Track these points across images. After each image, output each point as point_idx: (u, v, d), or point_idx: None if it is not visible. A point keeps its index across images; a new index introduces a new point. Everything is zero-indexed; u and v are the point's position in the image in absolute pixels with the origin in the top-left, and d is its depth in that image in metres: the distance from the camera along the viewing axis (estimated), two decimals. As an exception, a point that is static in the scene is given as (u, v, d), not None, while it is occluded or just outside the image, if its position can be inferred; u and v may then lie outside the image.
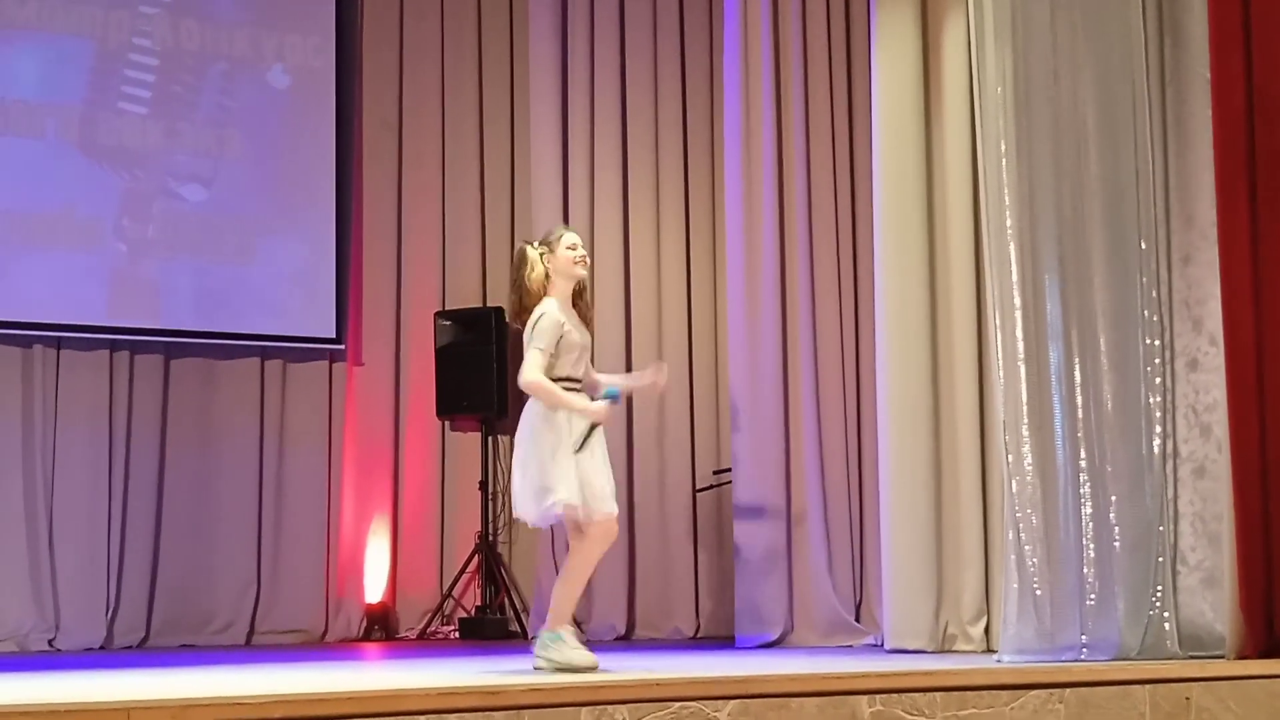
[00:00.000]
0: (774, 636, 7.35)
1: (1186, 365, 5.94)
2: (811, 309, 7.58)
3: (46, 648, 8.30)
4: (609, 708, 4.22)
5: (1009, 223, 5.88)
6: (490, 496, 9.27)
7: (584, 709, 4.20)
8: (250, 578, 8.91)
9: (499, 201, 9.68)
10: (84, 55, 8.77)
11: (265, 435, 9.07)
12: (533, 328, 5.46)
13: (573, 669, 5.24)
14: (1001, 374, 5.84)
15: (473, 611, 9.15)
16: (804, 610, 7.37)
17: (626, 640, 8.61)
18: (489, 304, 9.37)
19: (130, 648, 8.46)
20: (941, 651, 6.47)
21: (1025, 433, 5.77)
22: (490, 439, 9.38)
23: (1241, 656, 5.33)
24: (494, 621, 8.91)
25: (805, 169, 7.64)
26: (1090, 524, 5.73)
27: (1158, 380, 5.89)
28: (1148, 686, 4.87)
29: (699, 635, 8.70)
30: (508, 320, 5.70)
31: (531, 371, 5.38)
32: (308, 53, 9.29)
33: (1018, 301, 5.84)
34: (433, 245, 9.58)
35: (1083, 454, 5.77)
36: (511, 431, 5.69)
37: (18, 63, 8.63)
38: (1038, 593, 5.65)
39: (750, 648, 7.28)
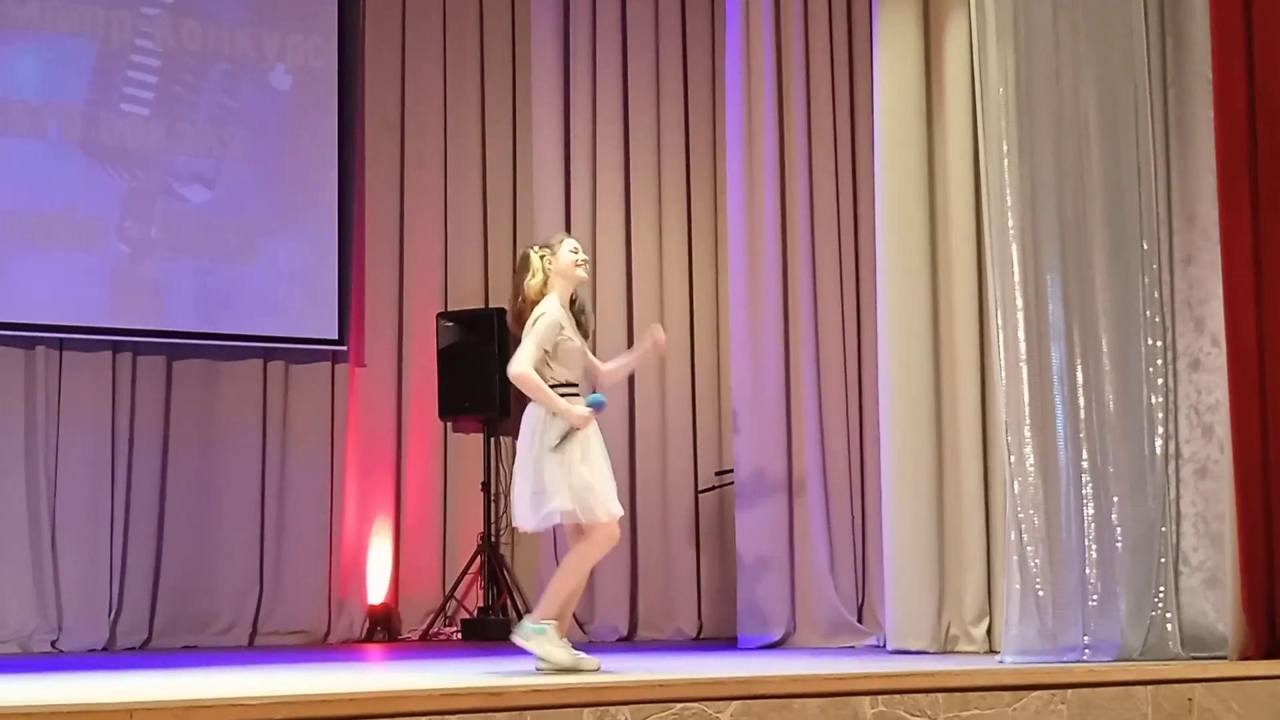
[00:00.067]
0: (776, 637, 7.35)
1: (1188, 365, 5.95)
2: (813, 310, 7.58)
3: (49, 649, 8.29)
4: (611, 708, 4.23)
5: (1011, 223, 5.88)
6: (492, 497, 9.26)
7: (586, 710, 4.20)
8: (253, 579, 8.91)
9: (501, 202, 9.68)
10: (86, 55, 8.77)
11: (268, 436, 9.07)
12: (532, 324, 5.48)
13: (549, 663, 5.25)
14: (1003, 374, 5.84)
15: (475, 613, 9.15)
16: (806, 611, 7.37)
17: (629, 641, 8.61)
18: (491, 305, 9.37)
19: (133, 649, 8.46)
20: (944, 652, 6.48)
21: (1027, 433, 5.77)
22: (492, 440, 9.38)
23: (1244, 657, 5.34)
24: (496, 623, 8.90)
25: (807, 170, 7.64)
26: (1092, 525, 5.73)
27: (1160, 381, 5.90)
28: (1150, 687, 4.88)
29: (701, 636, 8.69)
30: (508, 325, 5.70)
31: (522, 363, 5.40)
32: (309, 53, 9.29)
33: (1019, 302, 5.84)
34: (435, 246, 9.58)
35: (1085, 454, 5.77)
36: (513, 433, 5.70)
37: (19, 63, 8.63)
38: (1040, 593, 5.65)
39: (752, 648, 7.28)
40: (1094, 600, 5.65)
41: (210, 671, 5.88)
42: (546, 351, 5.46)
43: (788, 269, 7.61)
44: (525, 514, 5.46)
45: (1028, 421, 5.78)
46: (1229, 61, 5.59)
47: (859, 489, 7.54)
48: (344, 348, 9.25)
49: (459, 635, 9.00)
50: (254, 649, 8.56)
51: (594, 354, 5.85)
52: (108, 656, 7.89)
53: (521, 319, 5.55)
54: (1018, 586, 5.68)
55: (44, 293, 8.52)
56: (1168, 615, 5.74)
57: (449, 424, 9.49)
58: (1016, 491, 5.75)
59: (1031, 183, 5.91)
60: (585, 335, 5.68)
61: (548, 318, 5.47)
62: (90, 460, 8.59)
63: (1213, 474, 5.81)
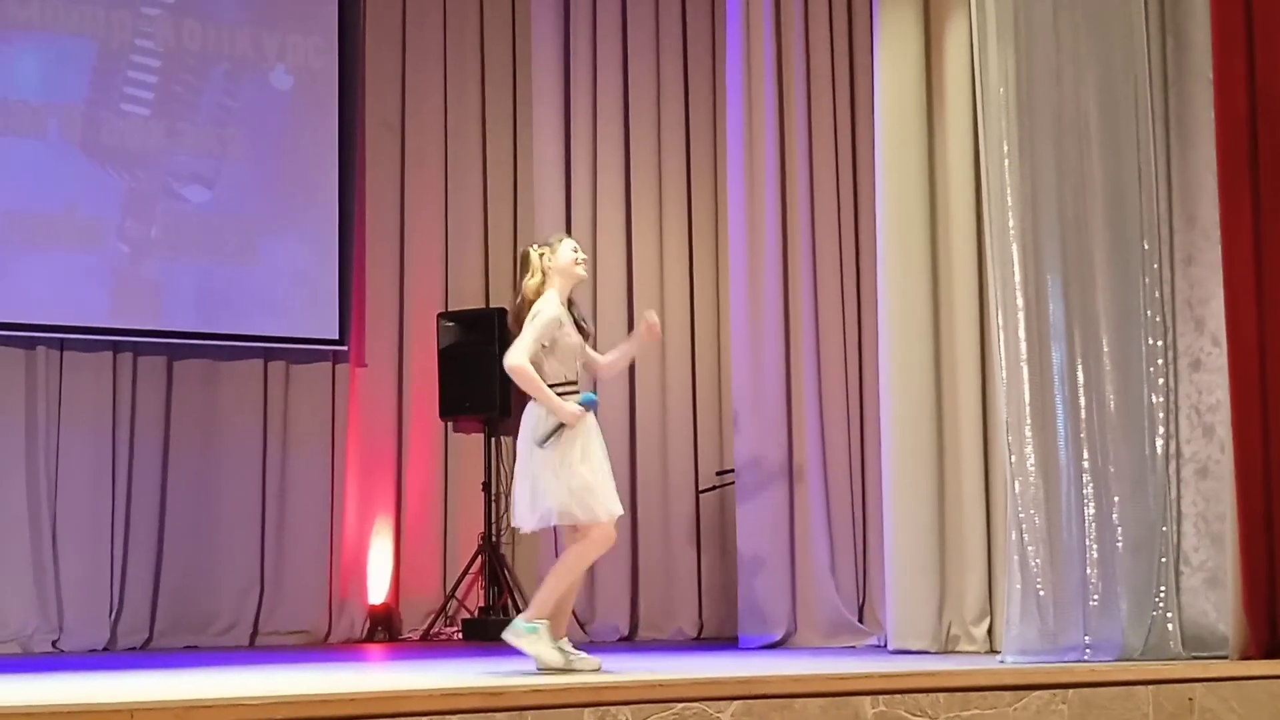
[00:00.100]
0: (777, 637, 7.35)
1: (1189, 365, 5.95)
2: (814, 310, 7.58)
3: (50, 649, 8.29)
4: (612, 708, 4.23)
5: (1011, 223, 5.89)
6: (493, 497, 9.27)
7: (586, 710, 4.20)
8: (253, 579, 8.91)
9: (501, 202, 9.68)
10: (86, 55, 8.77)
11: (268, 436, 9.07)
12: (532, 319, 5.49)
13: (541, 663, 5.24)
14: (1004, 374, 5.85)
15: (476, 612, 9.15)
16: (807, 611, 7.37)
17: (629, 641, 8.61)
18: (492, 305, 9.37)
19: (134, 649, 8.46)
20: (945, 652, 6.48)
21: (1028, 433, 5.77)
22: (493, 440, 9.38)
23: (1245, 657, 5.34)
24: (497, 623, 8.84)
25: (808, 170, 7.64)
26: (1093, 524, 5.73)
27: (1160, 381, 5.90)
28: (1151, 687, 4.88)
29: (702, 636, 8.69)
30: (509, 325, 5.71)
31: (518, 355, 5.40)
32: (310, 53, 9.29)
33: (1020, 302, 5.84)
34: (435, 246, 9.58)
35: (1085, 454, 5.77)
36: (514, 433, 5.71)
37: (20, 63, 8.63)
38: (1041, 593, 5.65)
39: (753, 648, 7.28)
40: (1095, 600, 5.65)
41: (211, 672, 5.88)
42: (544, 346, 5.47)
43: (788, 268, 7.61)
44: (525, 514, 5.47)
45: (1028, 421, 5.78)
46: (1229, 62, 5.59)
47: (860, 489, 7.54)
48: (344, 348, 9.25)
49: (460, 635, 9.00)
50: (255, 649, 8.56)
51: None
52: (108, 656, 7.89)
53: (520, 318, 5.56)
54: (1019, 586, 5.68)
55: (44, 293, 8.52)
56: (1169, 615, 5.74)
57: (449, 424, 9.49)
58: (1017, 491, 5.75)
59: (1032, 182, 5.91)
60: (585, 339, 5.68)
61: (547, 313, 5.49)
62: (91, 460, 8.60)
63: (1213, 474, 5.81)
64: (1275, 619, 5.37)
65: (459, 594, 9.22)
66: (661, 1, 9.17)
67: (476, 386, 9.14)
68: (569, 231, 8.79)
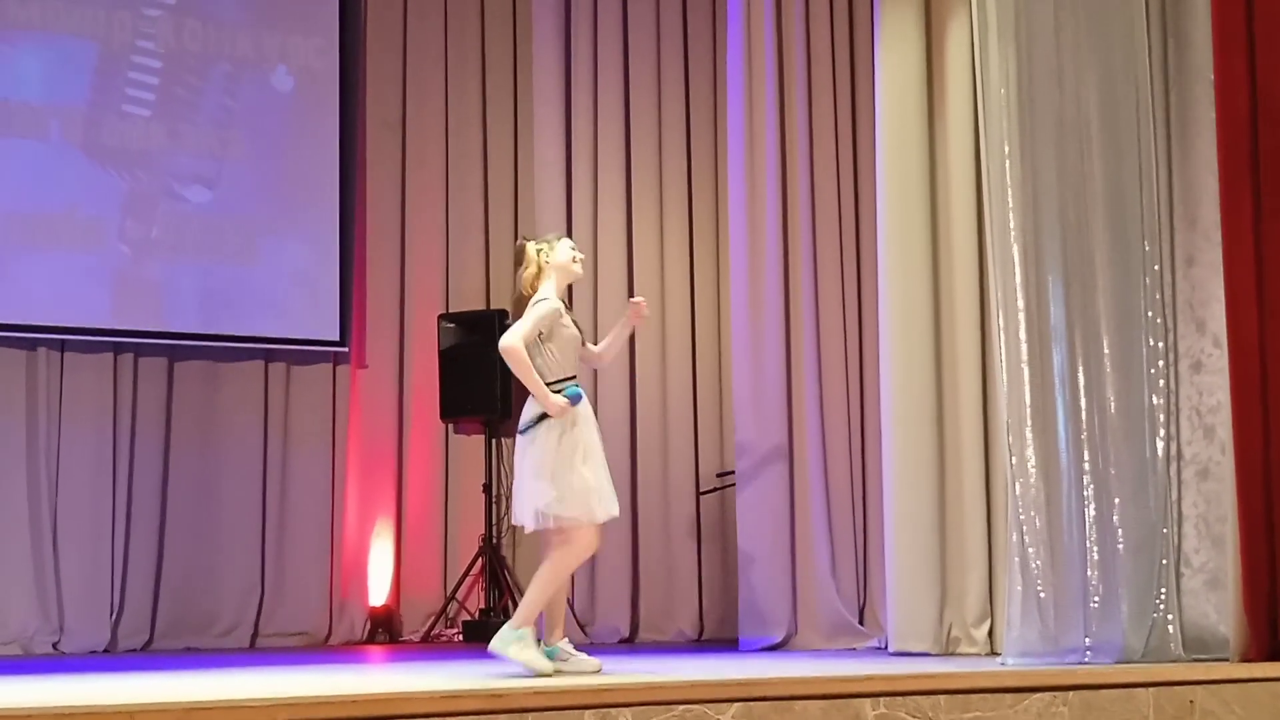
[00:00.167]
0: (778, 639, 7.35)
1: (1190, 367, 5.94)
2: (815, 311, 7.58)
3: (51, 651, 8.30)
4: (612, 710, 4.22)
5: (1012, 224, 5.88)
6: (494, 499, 9.27)
7: (588, 712, 4.20)
8: (254, 580, 8.91)
9: (502, 203, 9.68)
10: (87, 57, 8.78)
11: (269, 438, 9.07)
12: (531, 307, 5.49)
13: (532, 670, 5.22)
14: (1005, 376, 5.84)
15: (476, 614, 9.15)
16: (808, 613, 7.36)
17: (630, 643, 8.61)
18: (492, 306, 9.37)
19: (134, 651, 8.46)
20: (945, 654, 6.47)
21: (1029, 435, 5.77)
22: (493, 441, 9.38)
23: (1246, 659, 5.33)
24: (498, 624, 8.82)
25: (808, 170, 7.64)
26: (1094, 526, 5.72)
27: (1161, 382, 5.89)
28: (1151, 689, 4.87)
29: (703, 638, 8.69)
30: (510, 320, 5.71)
31: (513, 337, 5.42)
32: (310, 54, 9.30)
33: (1021, 303, 5.84)
34: (436, 247, 9.58)
35: (1086, 456, 5.77)
36: (514, 434, 5.70)
37: (21, 64, 8.64)
38: (1041, 595, 5.65)
39: (754, 650, 7.28)
40: (1095, 602, 5.65)
41: (211, 673, 5.88)
42: (543, 336, 5.46)
43: (789, 269, 7.61)
44: (527, 515, 5.46)
45: (1029, 423, 5.78)
46: (1230, 63, 5.59)
47: (860, 490, 7.54)
48: (345, 349, 9.25)
49: (460, 637, 9.00)
50: (255, 651, 8.56)
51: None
52: (109, 658, 7.89)
53: (521, 310, 5.56)
54: (1019, 588, 5.68)
55: (45, 294, 8.52)
56: (1169, 617, 5.74)
57: (450, 425, 9.49)
58: (1018, 493, 5.75)
59: (1033, 184, 5.91)
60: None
61: (548, 304, 5.50)
62: (92, 462, 8.60)
63: (1214, 475, 5.81)
64: (1276, 621, 5.37)
65: (459, 596, 9.22)
66: (662, 1, 9.17)
67: (477, 388, 9.14)
68: (570, 231, 8.80)
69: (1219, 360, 5.75)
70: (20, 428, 8.49)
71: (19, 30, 8.64)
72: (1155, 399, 5.88)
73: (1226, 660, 5.42)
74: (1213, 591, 5.74)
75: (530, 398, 5.50)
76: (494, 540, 9.22)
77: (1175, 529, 5.85)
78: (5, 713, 3.73)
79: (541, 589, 5.44)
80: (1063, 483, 5.74)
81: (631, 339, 8.79)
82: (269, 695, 4.16)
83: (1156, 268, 5.94)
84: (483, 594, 9.19)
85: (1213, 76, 5.70)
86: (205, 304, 8.90)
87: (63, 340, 8.60)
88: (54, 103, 8.68)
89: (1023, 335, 5.83)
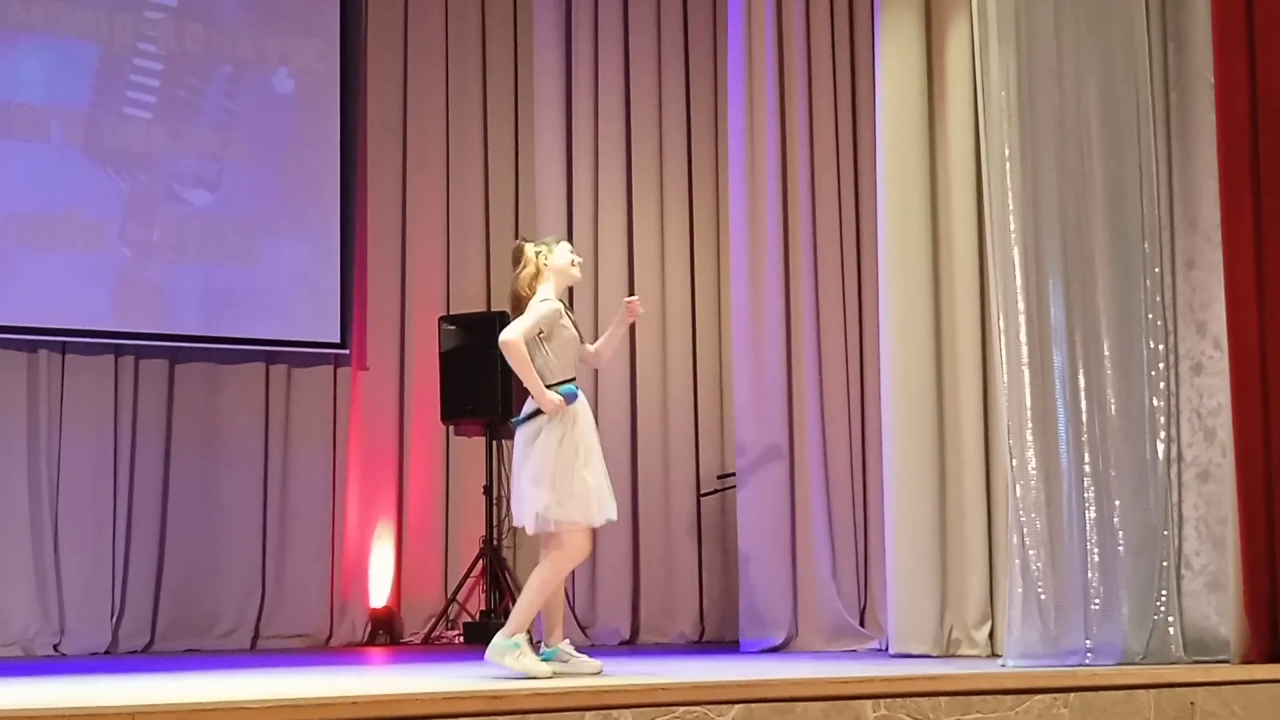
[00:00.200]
0: (778, 641, 7.35)
1: (1190, 369, 5.94)
2: (815, 312, 7.58)
3: (51, 652, 8.30)
4: (613, 712, 4.22)
5: (1012, 226, 5.88)
6: (494, 501, 9.27)
7: (588, 713, 4.20)
8: (255, 582, 8.91)
9: (503, 205, 9.69)
10: (89, 58, 8.78)
11: (270, 439, 9.07)
12: (533, 305, 5.50)
13: (531, 676, 5.19)
14: (1005, 378, 5.84)
15: (477, 616, 9.15)
16: (808, 614, 7.36)
17: (631, 644, 8.60)
18: (493, 308, 9.37)
19: (135, 652, 8.46)
20: (946, 656, 6.47)
21: (1029, 437, 5.77)
22: (494, 443, 9.38)
23: (1246, 661, 5.34)
24: (498, 626, 8.83)
25: (809, 171, 7.64)
26: (1094, 528, 5.72)
27: (1162, 384, 5.89)
28: (1152, 691, 4.87)
29: (703, 639, 8.69)
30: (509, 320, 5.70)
31: (514, 332, 5.42)
32: (312, 56, 9.30)
33: (1021, 305, 5.84)
34: (437, 249, 9.58)
35: (1086, 458, 5.77)
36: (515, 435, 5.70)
37: (23, 66, 8.64)
38: (1042, 597, 5.65)
39: (754, 652, 7.28)
40: (1096, 604, 5.65)
41: (212, 675, 5.88)
42: (543, 335, 5.46)
43: (789, 270, 7.61)
44: (527, 516, 5.46)
45: (1029, 425, 5.78)
46: (1230, 64, 5.59)
47: (861, 492, 7.54)
48: (346, 351, 9.26)
49: (461, 638, 9.00)
50: (256, 652, 8.56)
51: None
52: (110, 660, 7.90)
53: (519, 310, 5.56)
54: (1020, 590, 5.67)
55: (46, 296, 8.53)
56: (1170, 619, 5.74)
57: (451, 427, 9.49)
58: (1018, 495, 5.74)
59: (1033, 185, 5.91)
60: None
61: (551, 303, 5.50)
62: (93, 464, 8.60)
63: (1215, 477, 5.81)
64: (1277, 622, 5.37)
65: (460, 597, 9.22)
66: (663, 2, 9.18)
67: (478, 390, 9.14)
68: (570, 232, 8.81)
69: (1219, 362, 5.75)
70: (21, 429, 8.49)
71: (20, 31, 8.65)
72: (1156, 401, 5.88)
73: (1227, 662, 5.43)
74: (1213, 593, 5.73)
75: (526, 404, 5.51)
76: (495, 542, 9.22)
77: (1176, 531, 5.85)
78: (6, 714, 3.73)
79: (535, 595, 5.43)
80: (1063, 484, 5.74)
81: (632, 339, 8.82)
82: (270, 697, 4.16)
83: (1157, 269, 5.94)
84: (483, 596, 9.19)
85: (1213, 77, 5.71)
86: (206, 306, 8.90)
87: (64, 342, 8.61)
88: (55, 104, 8.68)
89: (1023, 337, 5.83)
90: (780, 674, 5.02)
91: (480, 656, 5.36)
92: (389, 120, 9.60)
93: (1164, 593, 5.75)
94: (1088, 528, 5.71)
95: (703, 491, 8.88)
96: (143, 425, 8.76)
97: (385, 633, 9.15)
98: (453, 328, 9.32)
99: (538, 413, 5.43)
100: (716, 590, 8.74)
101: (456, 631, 9.12)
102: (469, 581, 9.21)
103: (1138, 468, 5.82)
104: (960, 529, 6.57)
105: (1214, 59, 5.69)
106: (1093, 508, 5.73)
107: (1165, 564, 5.78)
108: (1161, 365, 5.90)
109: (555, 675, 5.26)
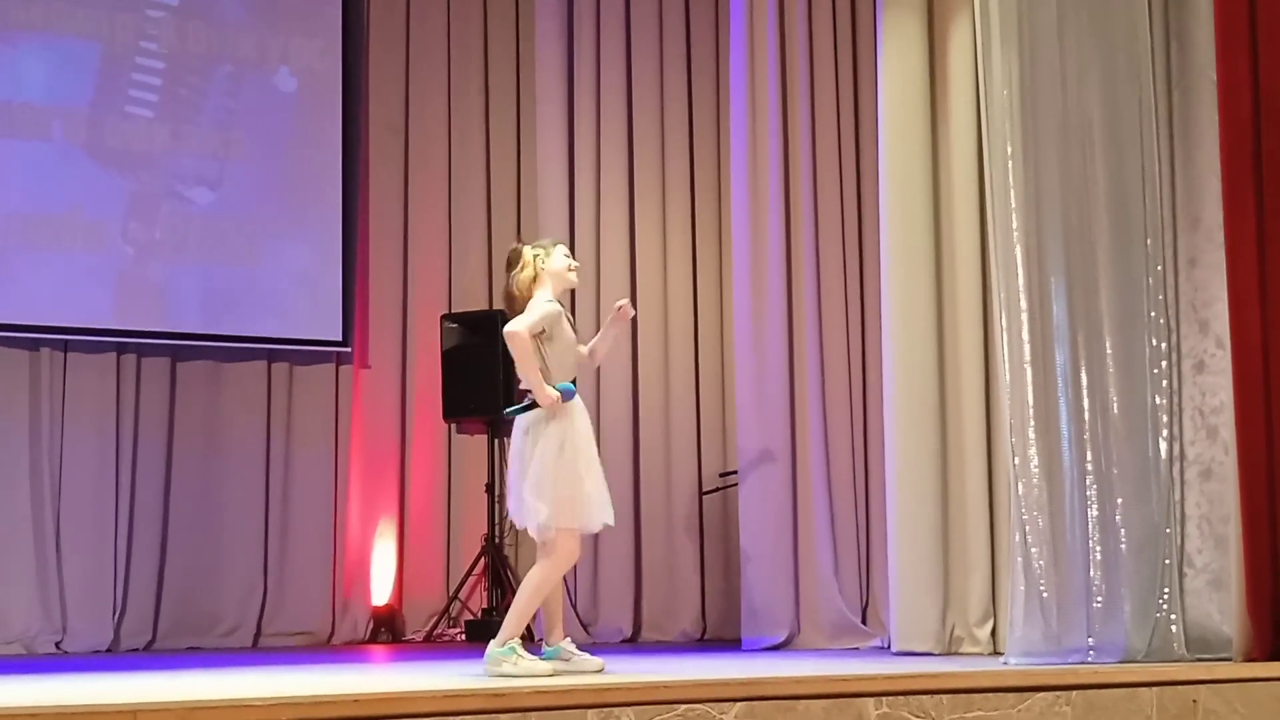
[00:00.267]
0: (780, 639, 7.35)
1: (1193, 367, 5.94)
2: (818, 311, 7.58)
3: (53, 650, 8.30)
4: (615, 710, 4.22)
5: (1015, 225, 5.88)
6: (496, 499, 9.26)
7: (590, 711, 4.20)
8: (257, 580, 8.92)
9: (505, 204, 9.69)
10: (90, 58, 8.78)
11: (272, 438, 9.08)
12: (536, 304, 5.49)
13: (533, 675, 5.16)
14: (1008, 376, 5.84)
15: (479, 614, 9.16)
16: (810, 612, 7.36)
17: (633, 642, 8.61)
18: (495, 306, 9.36)
19: (137, 650, 8.46)
20: (948, 654, 6.47)
21: (1031, 435, 5.77)
22: (496, 441, 9.38)
23: (1248, 659, 5.34)
24: (500, 624, 8.88)
25: (811, 171, 7.64)
26: (1097, 526, 5.72)
27: (1164, 383, 5.89)
28: (1154, 689, 4.88)
29: (705, 637, 8.69)
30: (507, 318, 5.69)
31: (521, 324, 5.41)
32: (313, 55, 9.30)
33: (1024, 304, 5.84)
34: (439, 248, 9.59)
35: (1089, 456, 5.77)
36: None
37: (24, 65, 8.65)
38: (1044, 595, 5.65)
39: (756, 650, 7.27)
40: (1098, 602, 5.65)
41: (214, 673, 5.88)
42: (545, 335, 5.45)
43: (792, 270, 7.61)
44: (528, 523, 5.46)
45: (1032, 423, 5.78)
46: (1233, 64, 5.59)
47: (863, 490, 7.54)
48: (348, 349, 9.26)
49: (463, 636, 9.01)
50: (258, 650, 8.56)
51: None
52: (112, 658, 7.90)
53: (514, 310, 5.55)
54: (1022, 588, 5.67)
55: (48, 294, 8.53)
56: (1172, 617, 5.74)
57: (453, 425, 9.49)
58: (1020, 493, 5.74)
59: (1036, 184, 5.91)
60: None
61: (553, 304, 5.51)
62: (94, 462, 8.61)
63: (1217, 476, 5.81)
64: (1279, 621, 5.37)
65: (462, 595, 9.23)
66: (665, 2, 9.17)
67: (479, 388, 9.14)
68: (572, 232, 8.81)
69: (1222, 361, 5.75)
70: (23, 428, 8.49)
71: (22, 31, 8.65)
72: (1158, 399, 5.88)
73: (1230, 660, 5.43)
74: (1216, 591, 5.74)
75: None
76: (496, 540, 9.22)
77: (1178, 529, 5.85)
78: (8, 712, 3.73)
79: (528, 602, 5.43)
80: (1065, 483, 5.74)
81: (635, 339, 8.83)
82: (272, 695, 4.16)
83: (1159, 268, 5.94)
84: (485, 593, 9.19)
85: (1215, 77, 5.70)
86: (208, 304, 8.90)
87: (66, 340, 8.61)
88: (57, 104, 8.68)
89: (1025, 335, 5.83)
90: (782, 672, 5.02)
91: (482, 654, 5.35)
92: (391, 119, 9.60)
93: (1166, 591, 5.75)
94: (1090, 526, 5.72)
95: (704, 490, 8.88)
96: (144, 423, 8.77)
97: (387, 631, 9.16)
98: (454, 326, 9.32)
99: (533, 405, 5.42)
100: (718, 588, 8.74)
101: (458, 629, 9.12)
102: (471, 579, 9.21)
103: (1140, 466, 5.82)
104: (962, 527, 6.57)
105: (1216, 58, 5.69)
106: (1095, 506, 5.73)
107: (1168, 562, 5.78)
108: (1164, 364, 5.90)
109: (557, 673, 5.26)
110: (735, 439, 7.97)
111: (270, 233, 9.09)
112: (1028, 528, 5.70)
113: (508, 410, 5.57)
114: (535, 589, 5.44)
